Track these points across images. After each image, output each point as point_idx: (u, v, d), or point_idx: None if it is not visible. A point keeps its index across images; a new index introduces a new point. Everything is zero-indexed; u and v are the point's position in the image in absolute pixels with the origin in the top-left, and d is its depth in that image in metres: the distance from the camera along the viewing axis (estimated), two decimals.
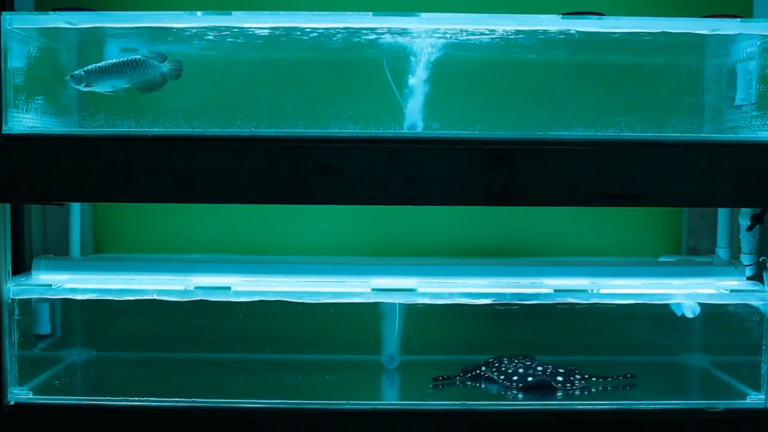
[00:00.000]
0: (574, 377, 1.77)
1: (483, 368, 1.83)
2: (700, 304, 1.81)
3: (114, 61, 1.63)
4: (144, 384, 1.80)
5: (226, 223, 2.12)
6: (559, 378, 1.75)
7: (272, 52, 1.77)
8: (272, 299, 1.71)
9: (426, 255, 2.09)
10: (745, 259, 1.90)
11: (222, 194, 1.55)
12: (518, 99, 1.85)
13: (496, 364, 1.83)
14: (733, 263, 1.87)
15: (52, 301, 1.93)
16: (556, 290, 1.72)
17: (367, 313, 1.85)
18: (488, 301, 1.72)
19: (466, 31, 1.69)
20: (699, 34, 1.70)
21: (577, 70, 1.84)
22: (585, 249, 2.13)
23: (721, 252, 2.01)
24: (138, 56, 1.64)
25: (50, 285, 1.73)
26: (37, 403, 1.64)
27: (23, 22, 1.61)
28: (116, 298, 1.70)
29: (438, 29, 1.69)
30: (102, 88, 1.64)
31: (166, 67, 1.65)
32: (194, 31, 1.70)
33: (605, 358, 1.95)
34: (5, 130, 1.56)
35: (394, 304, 1.84)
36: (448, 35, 1.71)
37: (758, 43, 1.67)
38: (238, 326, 1.91)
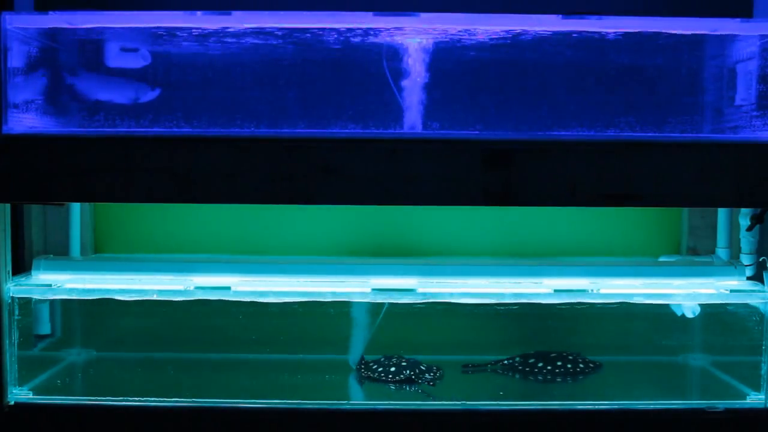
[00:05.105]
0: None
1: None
2: (700, 304, 1.81)
3: None
4: (144, 384, 1.80)
5: (226, 223, 2.11)
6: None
7: (272, 52, 1.76)
8: (272, 299, 1.71)
9: (426, 255, 2.09)
10: (745, 259, 1.90)
11: (222, 194, 1.55)
12: (518, 99, 1.84)
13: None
14: (733, 263, 1.87)
15: (52, 301, 1.93)
16: (556, 290, 1.72)
17: (367, 313, 1.85)
18: (488, 301, 1.72)
19: (466, 30, 1.69)
20: (699, 34, 1.70)
21: (577, 70, 1.83)
22: (585, 249, 2.12)
23: (721, 252, 2.01)
24: None
25: (50, 285, 1.73)
26: (37, 403, 1.64)
27: (23, 22, 1.61)
28: (116, 298, 1.70)
29: (438, 29, 1.69)
30: None
31: None
32: (194, 30, 1.70)
33: (605, 358, 1.95)
34: (5, 130, 1.56)
35: (394, 304, 1.84)
36: (448, 35, 1.71)
37: (758, 43, 1.67)
38: (238, 326, 1.91)
